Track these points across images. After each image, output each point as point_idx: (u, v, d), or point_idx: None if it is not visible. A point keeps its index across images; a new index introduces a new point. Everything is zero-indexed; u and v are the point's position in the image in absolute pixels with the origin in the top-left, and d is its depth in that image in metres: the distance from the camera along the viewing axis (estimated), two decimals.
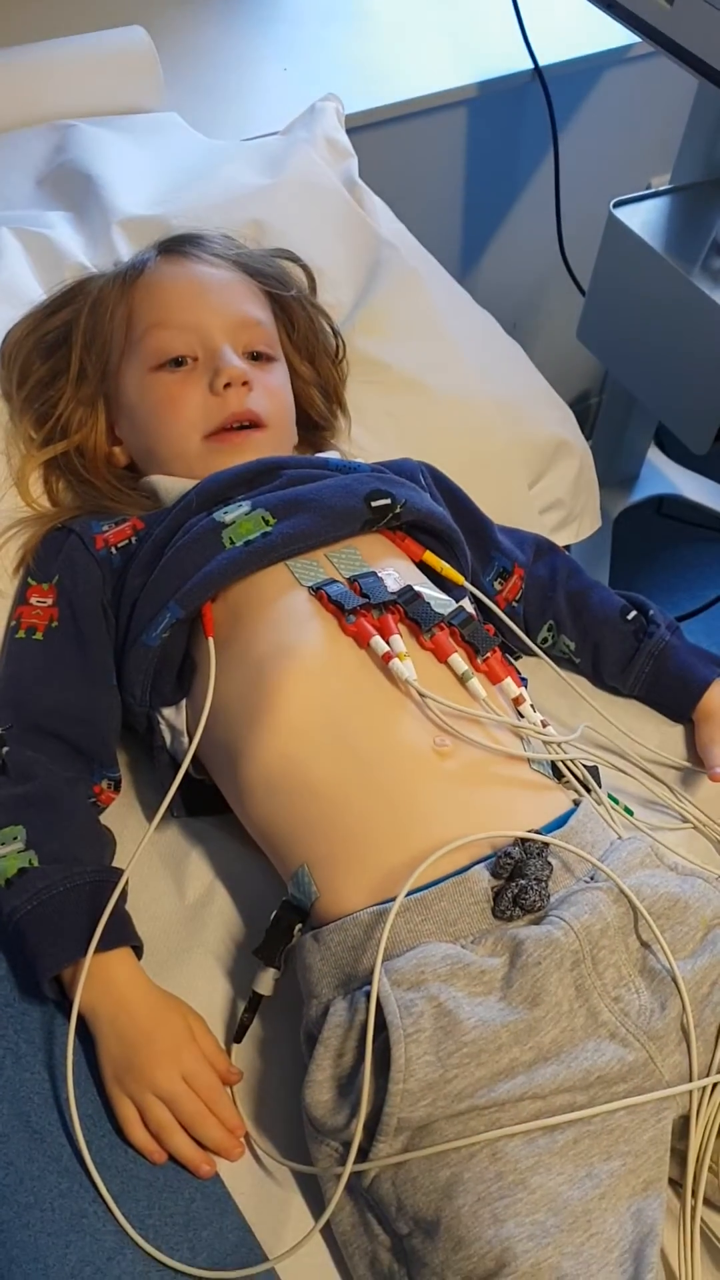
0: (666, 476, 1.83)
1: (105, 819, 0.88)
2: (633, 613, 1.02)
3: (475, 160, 1.59)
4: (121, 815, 0.91)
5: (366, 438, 1.04)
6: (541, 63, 1.45)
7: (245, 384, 0.96)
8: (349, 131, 1.34)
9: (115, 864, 0.85)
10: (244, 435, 0.96)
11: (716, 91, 1.15)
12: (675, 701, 1.01)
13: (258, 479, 0.91)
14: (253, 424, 0.96)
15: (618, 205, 1.35)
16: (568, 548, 1.27)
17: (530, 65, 1.45)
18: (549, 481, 1.16)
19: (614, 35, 1.27)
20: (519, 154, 1.62)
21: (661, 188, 1.39)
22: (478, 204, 1.65)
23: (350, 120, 1.36)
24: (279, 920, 0.77)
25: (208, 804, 0.88)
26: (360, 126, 1.39)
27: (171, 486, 0.96)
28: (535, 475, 1.15)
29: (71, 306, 1.01)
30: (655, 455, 1.84)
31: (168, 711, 0.88)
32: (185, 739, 0.87)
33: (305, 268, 1.09)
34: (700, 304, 1.26)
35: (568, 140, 1.58)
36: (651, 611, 1.02)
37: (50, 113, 1.22)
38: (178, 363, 0.96)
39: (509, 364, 1.19)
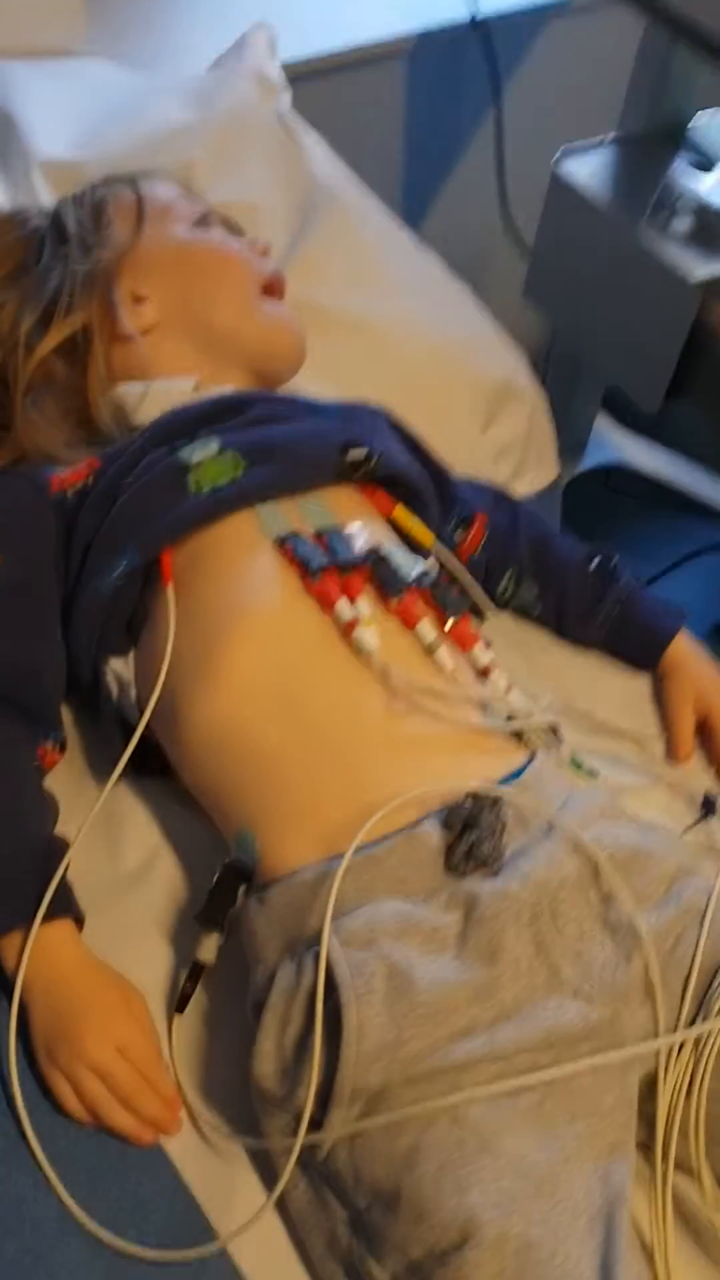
0: (616, 446, 1.81)
1: (48, 781, 0.83)
2: (596, 561, 1.00)
3: (414, 116, 1.55)
4: (64, 776, 0.85)
5: (308, 384, 1.00)
6: (481, 13, 1.41)
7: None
8: None
9: (58, 829, 0.80)
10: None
11: (663, 34, 1.13)
12: (641, 650, 0.98)
13: (224, 414, 0.86)
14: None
15: (562, 157, 1.32)
16: None
17: (469, 16, 1.41)
18: (500, 427, 1.12)
19: None
20: (460, 110, 1.59)
21: (608, 138, 1.37)
22: (416, 162, 1.62)
23: (283, 71, 1.32)
24: (221, 883, 0.73)
25: (154, 763, 0.83)
26: (293, 79, 1.34)
27: (156, 394, 0.90)
28: (486, 420, 1.11)
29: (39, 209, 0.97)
30: (604, 424, 1.82)
31: (115, 663, 0.84)
32: (133, 692, 0.83)
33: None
34: (645, 259, 1.24)
35: (510, 95, 1.55)
36: (615, 561, 1.00)
37: None
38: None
39: (455, 305, 1.16)
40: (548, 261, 1.40)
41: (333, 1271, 0.66)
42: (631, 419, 1.79)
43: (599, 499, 1.97)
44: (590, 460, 1.79)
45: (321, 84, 1.39)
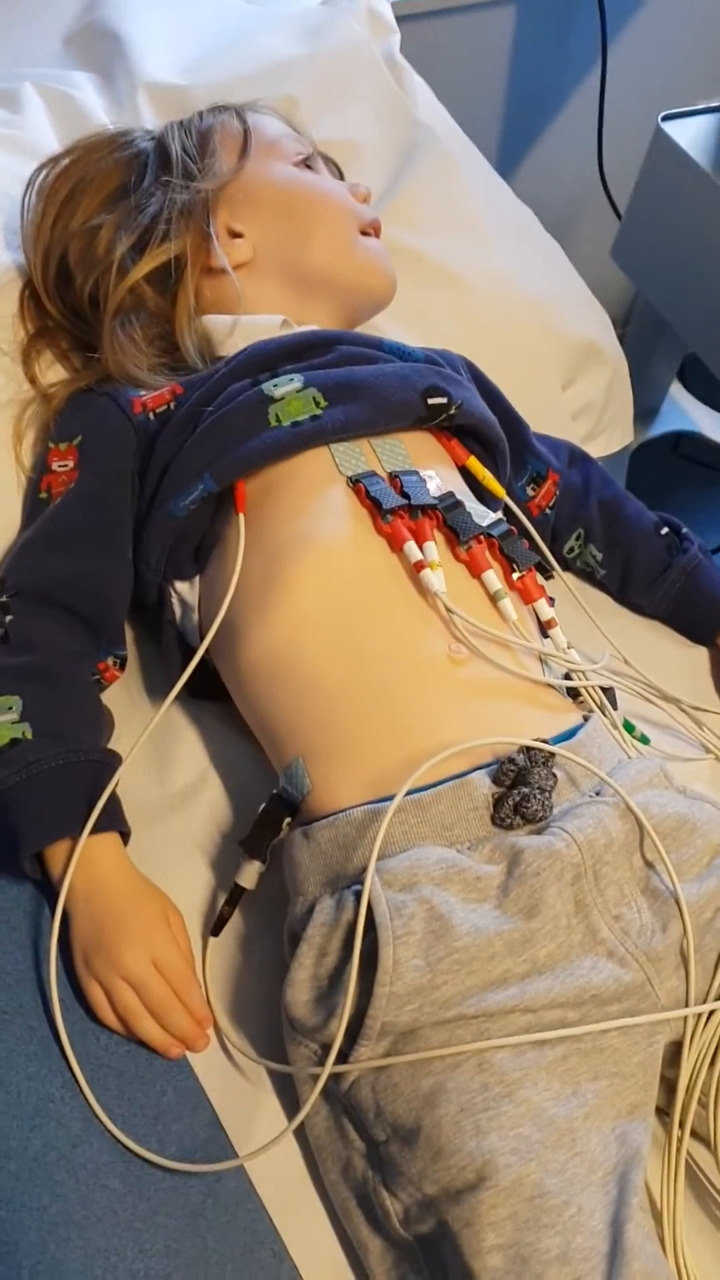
0: (687, 413, 1.78)
1: (105, 696, 0.85)
2: (665, 529, 0.99)
3: (519, 66, 1.52)
4: (121, 693, 0.87)
5: (394, 329, 0.99)
6: None
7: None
8: None
9: (112, 745, 0.81)
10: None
11: None
12: (701, 622, 0.98)
13: (308, 351, 0.86)
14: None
15: (667, 119, 1.29)
16: None
17: None
18: (581, 387, 1.11)
19: None
20: (565, 65, 1.55)
21: (715, 103, 1.33)
22: (517, 113, 1.59)
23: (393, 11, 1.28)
24: (268, 813, 0.74)
25: (210, 687, 0.84)
26: (401, 18, 1.31)
27: (244, 328, 0.89)
28: (568, 379, 1.10)
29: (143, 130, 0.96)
30: (677, 391, 1.79)
31: (181, 585, 0.84)
32: (196, 615, 0.84)
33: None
34: None
35: (618, 54, 1.51)
36: (684, 530, 0.99)
37: None
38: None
39: (546, 261, 1.14)
40: (640, 223, 1.37)
41: (345, 1199, 0.67)
42: (703, 390, 1.75)
43: (666, 464, 1.95)
44: (661, 427, 1.76)
45: (431, 25, 1.35)
